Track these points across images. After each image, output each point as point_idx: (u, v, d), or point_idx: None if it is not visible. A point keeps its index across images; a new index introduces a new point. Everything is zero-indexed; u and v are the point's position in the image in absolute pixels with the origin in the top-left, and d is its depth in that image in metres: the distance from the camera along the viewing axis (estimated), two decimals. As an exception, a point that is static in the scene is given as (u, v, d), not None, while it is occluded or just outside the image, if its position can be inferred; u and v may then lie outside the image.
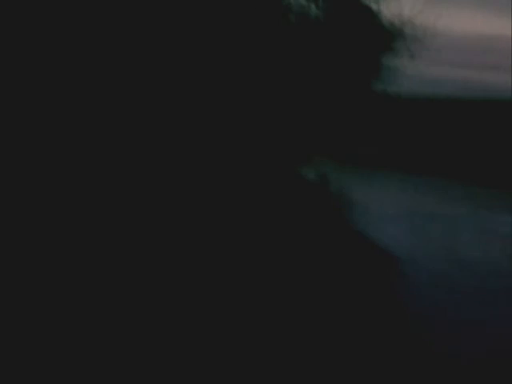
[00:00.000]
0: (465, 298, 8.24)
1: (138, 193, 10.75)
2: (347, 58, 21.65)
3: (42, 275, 6.90)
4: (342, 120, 24.12)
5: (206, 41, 15.86)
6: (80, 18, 11.68)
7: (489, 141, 27.81)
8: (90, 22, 11.81)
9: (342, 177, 20.95)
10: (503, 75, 35.53)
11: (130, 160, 11.44)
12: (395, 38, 21.52)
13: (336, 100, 23.06)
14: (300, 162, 21.94)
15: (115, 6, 12.26)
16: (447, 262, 10.10)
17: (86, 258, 7.53)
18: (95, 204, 9.62)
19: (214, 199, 11.81)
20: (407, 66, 23.74)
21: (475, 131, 28.03)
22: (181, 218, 10.18)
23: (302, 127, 23.36)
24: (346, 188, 17.58)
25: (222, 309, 6.62)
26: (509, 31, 61.74)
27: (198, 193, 11.86)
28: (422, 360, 5.84)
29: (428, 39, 22.72)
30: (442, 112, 28.38)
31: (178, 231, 9.32)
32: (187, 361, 5.31)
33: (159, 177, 11.58)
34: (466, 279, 9.32)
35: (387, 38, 21.55)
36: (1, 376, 4.73)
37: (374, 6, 21.87)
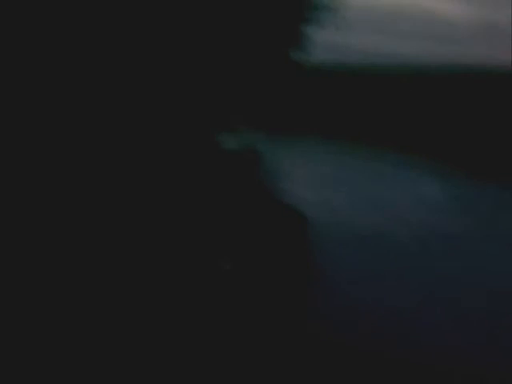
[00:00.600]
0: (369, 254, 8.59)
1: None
2: (266, 27, 21.76)
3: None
4: (261, 89, 24.33)
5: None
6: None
7: (405, 106, 28.70)
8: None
9: (262, 144, 21.15)
10: (414, 43, 36.56)
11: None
12: (312, 8, 21.79)
13: (255, 69, 23.23)
14: (219, 130, 21.96)
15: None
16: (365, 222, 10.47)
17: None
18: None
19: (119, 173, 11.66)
20: (322, 35, 24.11)
21: (392, 97, 28.84)
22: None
23: (220, 96, 23.35)
24: (266, 155, 17.78)
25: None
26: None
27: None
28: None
29: (342, 8, 23.17)
30: (356, 79, 29.05)
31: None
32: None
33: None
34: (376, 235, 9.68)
35: (304, 7, 21.79)
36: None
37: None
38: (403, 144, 24.93)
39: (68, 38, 12.12)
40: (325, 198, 12.82)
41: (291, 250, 8.34)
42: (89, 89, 13.25)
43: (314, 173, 16.80)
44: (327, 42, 26.88)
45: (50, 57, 11.58)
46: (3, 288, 6.36)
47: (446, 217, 12.08)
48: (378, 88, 28.75)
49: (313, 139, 24.11)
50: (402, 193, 14.77)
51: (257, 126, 24.37)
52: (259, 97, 24.74)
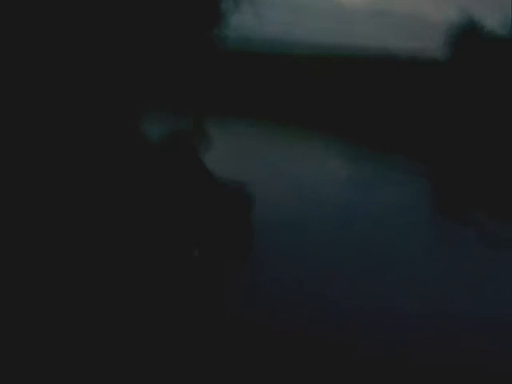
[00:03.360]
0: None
1: None
2: (186, 5, 22.14)
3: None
4: (183, 70, 24.64)
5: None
6: None
7: (317, 87, 30.17)
8: None
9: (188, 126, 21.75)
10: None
11: None
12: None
13: (175, 50, 23.48)
14: (140, 116, 22.05)
15: None
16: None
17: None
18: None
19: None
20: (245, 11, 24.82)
21: (305, 79, 30.22)
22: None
23: (141, 81, 23.39)
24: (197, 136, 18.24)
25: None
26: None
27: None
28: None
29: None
30: (271, 60, 30.12)
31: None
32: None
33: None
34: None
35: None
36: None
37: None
38: (317, 125, 26.56)
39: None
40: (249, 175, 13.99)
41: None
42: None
43: (236, 152, 17.75)
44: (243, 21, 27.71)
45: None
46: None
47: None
48: (292, 68, 30.00)
49: (233, 120, 25.06)
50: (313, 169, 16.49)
51: (180, 109, 24.78)
52: (184, 79, 25.13)
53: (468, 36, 31.58)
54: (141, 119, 20.12)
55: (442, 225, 11.65)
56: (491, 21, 32.38)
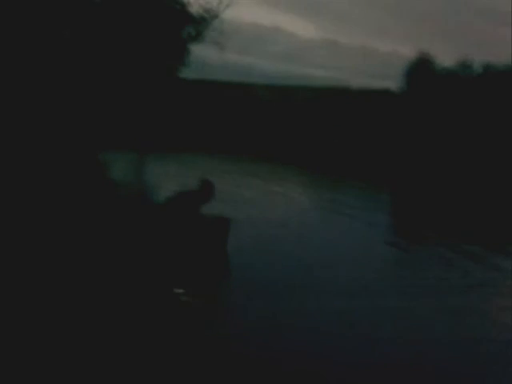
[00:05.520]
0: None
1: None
2: (153, 46, 22.52)
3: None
4: (145, 107, 24.64)
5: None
6: None
7: (269, 119, 30.92)
8: None
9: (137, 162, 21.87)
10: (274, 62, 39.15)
11: None
12: (200, 27, 22.79)
13: (140, 87, 23.65)
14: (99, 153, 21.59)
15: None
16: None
17: None
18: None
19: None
20: (207, 53, 25.31)
21: (262, 112, 30.91)
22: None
23: (99, 119, 23.00)
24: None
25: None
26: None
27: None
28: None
29: (221, 27, 24.46)
30: (230, 95, 30.72)
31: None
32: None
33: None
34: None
35: (194, 26, 22.60)
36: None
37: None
38: (275, 157, 27.00)
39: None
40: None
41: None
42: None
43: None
44: (202, 58, 28.20)
45: None
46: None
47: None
48: (251, 106, 30.61)
49: (190, 154, 25.06)
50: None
51: (139, 144, 24.55)
52: (145, 117, 25.03)
53: (421, 70, 32.83)
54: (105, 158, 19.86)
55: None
56: (442, 57, 33.73)
